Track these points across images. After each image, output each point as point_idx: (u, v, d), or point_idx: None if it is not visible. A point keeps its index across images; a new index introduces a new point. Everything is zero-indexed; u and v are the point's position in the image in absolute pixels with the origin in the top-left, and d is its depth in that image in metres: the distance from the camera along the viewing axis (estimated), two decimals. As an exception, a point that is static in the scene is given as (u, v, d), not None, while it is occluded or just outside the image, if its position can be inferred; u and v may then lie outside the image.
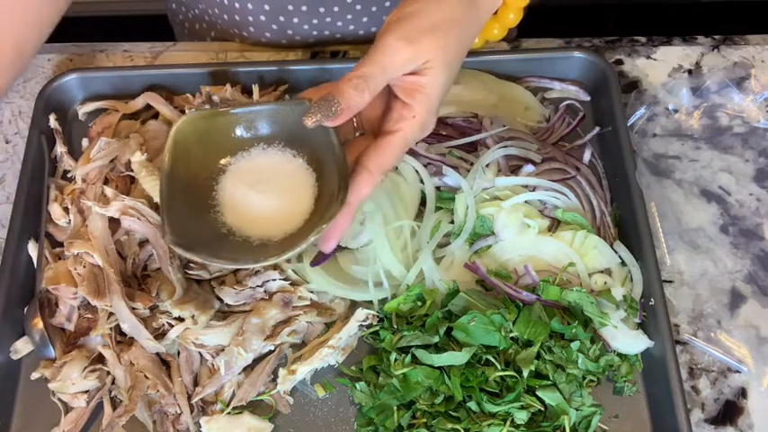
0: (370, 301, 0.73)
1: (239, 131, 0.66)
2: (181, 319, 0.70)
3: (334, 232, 0.60)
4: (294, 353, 0.72)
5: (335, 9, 0.86)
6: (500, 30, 0.68)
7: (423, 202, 0.78)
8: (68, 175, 0.81)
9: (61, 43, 0.92)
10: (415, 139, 0.60)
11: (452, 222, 0.76)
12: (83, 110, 0.85)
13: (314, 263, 0.68)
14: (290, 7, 0.86)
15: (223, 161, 0.66)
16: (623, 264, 0.75)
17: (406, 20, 0.58)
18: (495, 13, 0.65)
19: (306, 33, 0.89)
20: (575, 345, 0.68)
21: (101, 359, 0.70)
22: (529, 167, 0.79)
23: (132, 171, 0.75)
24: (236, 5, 0.87)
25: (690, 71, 0.90)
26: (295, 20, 0.87)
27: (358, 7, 0.87)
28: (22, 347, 0.72)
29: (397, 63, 0.57)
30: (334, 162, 0.59)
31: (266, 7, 0.86)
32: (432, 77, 0.58)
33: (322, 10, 0.86)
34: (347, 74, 0.56)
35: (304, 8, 0.86)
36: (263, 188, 0.64)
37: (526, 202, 0.77)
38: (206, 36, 0.99)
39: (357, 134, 0.64)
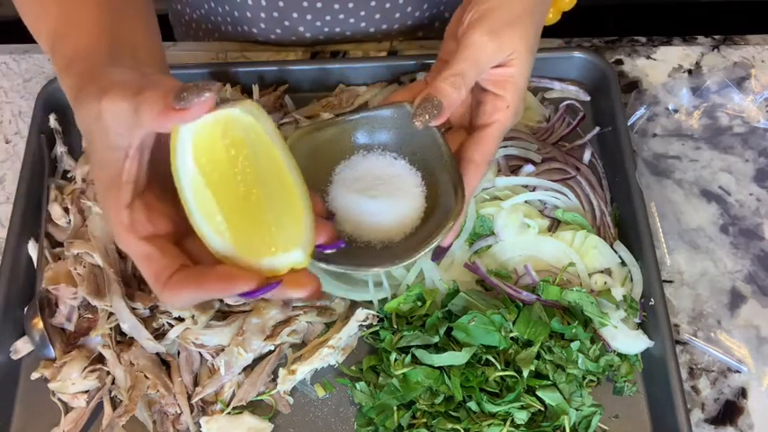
0: (370, 301, 0.73)
1: (343, 141, 0.67)
2: (181, 319, 0.70)
3: (456, 226, 0.62)
4: (294, 353, 0.72)
5: (350, 5, 0.87)
6: (554, 14, 0.73)
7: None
8: (68, 175, 0.81)
9: (61, 43, 0.92)
10: (510, 126, 0.63)
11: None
12: (83, 110, 0.85)
13: (435, 258, 0.72)
14: (305, 4, 0.86)
15: (329, 172, 0.67)
16: (623, 264, 0.75)
17: (487, 16, 0.60)
18: None
19: (317, 30, 0.89)
20: (575, 345, 0.68)
21: (101, 359, 0.70)
22: (529, 167, 0.79)
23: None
24: (249, 1, 0.87)
25: (690, 71, 0.90)
26: (308, 16, 0.88)
27: (372, 3, 0.87)
28: (22, 347, 0.72)
29: (487, 57, 0.59)
30: (443, 159, 0.61)
31: (280, 4, 0.86)
32: (518, 67, 0.61)
33: (336, 6, 0.87)
34: (442, 73, 0.59)
35: (319, 5, 0.86)
36: (373, 193, 0.64)
37: (526, 202, 0.77)
38: (209, 37, 0.99)
39: (443, 129, 0.66)
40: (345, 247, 0.59)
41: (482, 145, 0.62)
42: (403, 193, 0.64)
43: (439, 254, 0.70)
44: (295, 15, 0.87)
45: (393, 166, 0.66)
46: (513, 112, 0.62)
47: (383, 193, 0.64)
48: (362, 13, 0.88)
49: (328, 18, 0.88)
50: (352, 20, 0.89)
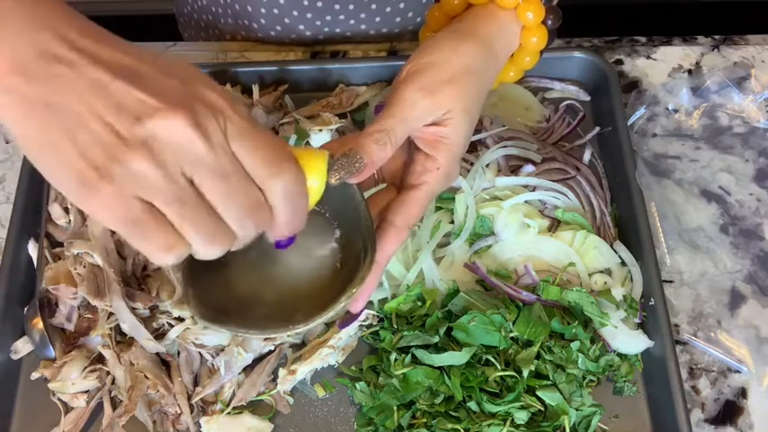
0: (370, 301, 0.73)
1: None
2: (181, 319, 0.70)
3: (364, 293, 0.58)
4: (294, 353, 0.72)
5: (351, 7, 0.87)
6: (516, 72, 0.67)
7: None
8: (68, 175, 0.81)
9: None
10: (440, 190, 0.59)
11: (452, 222, 0.76)
12: (83, 110, 0.85)
13: (341, 324, 0.67)
14: (306, 2, 0.86)
15: None
16: (623, 264, 0.75)
17: (424, 71, 0.57)
18: (512, 55, 0.65)
19: (317, 30, 0.89)
20: (575, 345, 0.68)
21: (101, 359, 0.70)
22: (529, 167, 0.79)
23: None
24: None
25: (690, 71, 0.90)
26: (308, 15, 0.87)
27: (373, 6, 0.87)
28: (22, 347, 0.72)
29: (418, 114, 0.56)
30: (359, 219, 0.57)
31: (281, 1, 0.86)
32: (453, 127, 0.57)
33: (337, 7, 0.86)
34: (367, 128, 0.55)
35: (319, 4, 0.86)
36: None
37: (526, 202, 0.77)
38: (210, 29, 0.99)
39: (377, 186, 0.63)
40: (249, 302, 0.56)
41: (405, 208, 0.58)
42: (316, 249, 0.59)
43: (348, 320, 0.64)
44: (295, 13, 0.87)
45: (311, 220, 0.57)
46: (443, 174, 0.58)
47: (295, 247, 0.56)
48: (363, 16, 0.88)
49: (328, 18, 0.88)
50: (352, 21, 0.89)
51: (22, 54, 0.38)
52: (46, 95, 0.38)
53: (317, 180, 0.49)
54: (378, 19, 0.89)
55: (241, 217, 0.43)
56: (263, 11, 0.88)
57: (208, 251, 0.42)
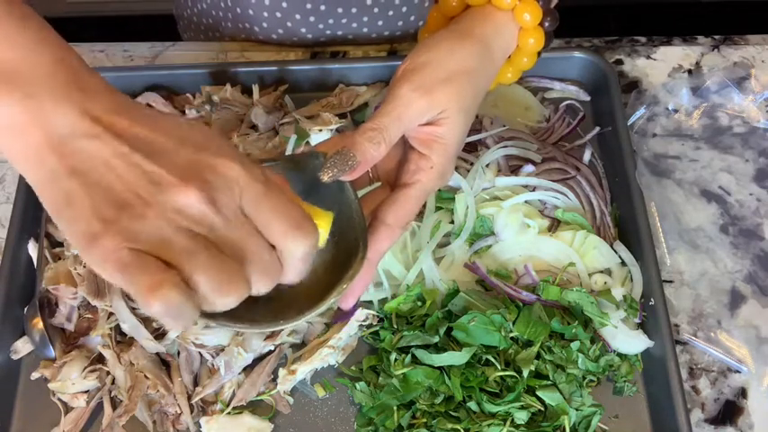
0: (370, 301, 0.73)
1: None
2: (181, 319, 0.70)
3: (355, 290, 0.59)
4: (294, 353, 0.72)
5: (353, 10, 0.87)
6: (513, 73, 0.67)
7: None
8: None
9: (61, 43, 0.92)
10: (433, 189, 0.59)
11: (452, 222, 0.76)
12: (83, 110, 0.85)
13: (335, 320, 0.67)
14: (309, 5, 0.86)
15: None
16: (623, 264, 0.75)
17: (420, 70, 0.57)
18: (509, 57, 0.65)
19: (319, 33, 0.89)
20: (575, 345, 0.68)
21: (101, 359, 0.70)
22: (529, 167, 0.79)
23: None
24: (252, 0, 0.87)
25: (690, 71, 0.90)
26: (311, 18, 0.87)
27: (375, 10, 0.87)
28: (22, 347, 0.72)
29: (413, 114, 0.56)
30: (352, 216, 0.57)
31: (284, 5, 0.86)
32: (448, 127, 0.57)
33: (340, 10, 0.86)
34: (362, 125, 0.55)
35: (322, 7, 0.86)
36: None
37: (526, 202, 0.77)
38: (211, 33, 0.99)
39: (372, 185, 0.63)
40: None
41: (398, 206, 0.58)
42: None
43: (341, 316, 0.64)
44: (298, 17, 0.87)
45: None
46: (437, 173, 0.58)
47: None
48: (365, 19, 0.88)
49: (331, 21, 0.88)
50: (354, 24, 0.89)
51: (57, 131, 0.40)
52: (72, 166, 0.40)
53: (323, 239, 0.50)
54: (380, 22, 0.89)
55: (257, 275, 0.43)
56: (264, 14, 0.88)
57: (220, 301, 0.42)
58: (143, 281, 0.39)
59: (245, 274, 0.43)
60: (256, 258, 0.43)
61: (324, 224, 0.50)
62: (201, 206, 0.40)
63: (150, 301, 0.39)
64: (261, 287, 0.44)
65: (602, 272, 0.75)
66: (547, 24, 0.63)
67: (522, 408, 0.65)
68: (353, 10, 0.87)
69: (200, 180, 0.40)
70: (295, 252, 0.44)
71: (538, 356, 0.68)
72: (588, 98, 0.87)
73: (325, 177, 0.53)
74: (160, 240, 0.39)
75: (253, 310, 0.55)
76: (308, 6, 0.86)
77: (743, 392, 0.72)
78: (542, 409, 0.66)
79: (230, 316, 0.53)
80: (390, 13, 0.88)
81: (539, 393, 0.66)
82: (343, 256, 0.57)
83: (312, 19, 0.88)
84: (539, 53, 0.66)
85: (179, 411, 0.69)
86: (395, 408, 0.67)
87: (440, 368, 0.67)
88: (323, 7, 0.86)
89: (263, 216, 0.43)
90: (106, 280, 0.70)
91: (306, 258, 0.45)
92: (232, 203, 0.42)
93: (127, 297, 0.69)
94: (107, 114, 0.41)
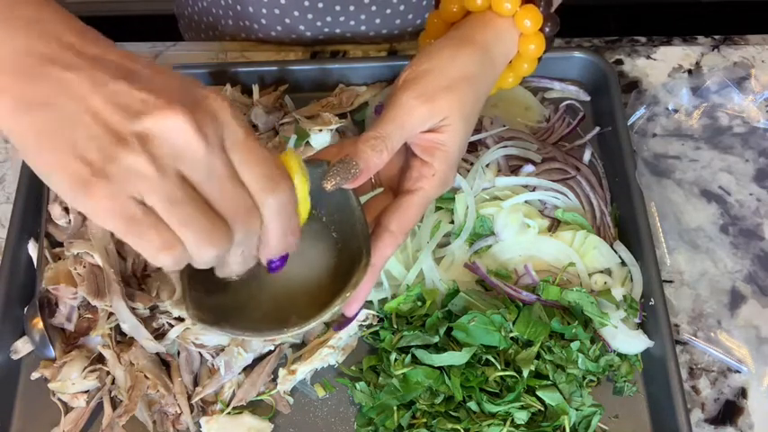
0: (370, 301, 0.73)
1: None
2: (181, 319, 0.70)
3: (358, 296, 0.58)
4: (294, 353, 0.72)
5: (351, 8, 0.87)
6: (514, 79, 0.67)
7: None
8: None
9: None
10: (435, 196, 0.59)
11: (452, 222, 0.76)
12: (83, 110, 0.85)
13: (337, 327, 0.67)
14: (307, 3, 0.86)
15: None
16: (623, 264, 0.75)
17: (422, 78, 0.57)
18: (510, 62, 0.65)
19: (317, 30, 0.90)
20: (575, 345, 0.68)
21: (101, 359, 0.70)
22: (529, 167, 0.79)
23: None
24: None
25: (690, 71, 0.90)
26: (309, 16, 0.88)
27: (373, 8, 0.87)
28: (22, 347, 0.72)
29: (415, 121, 0.56)
30: (355, 224, 0.57)
31: (282, 1, 0.86)
32: (450, 134, 0.57)
33: (338, 8, 0.87)
34: (364, 134, 0.55)
35: (320, 5, 0.86)
36: None
37: (526, 202, 0.77)
38: (211, 31, 0.99)
39: (374, 191, 0.63)
40: (245, 306, 0.57)
41: (401, 213, 0.58)
42: (313, 254, 0.59)
43: (343, 323, 0.64)
44: (296, 14, 0.87)
45: (308, 225, 0.58)
46: (439, 180, 0.58)
47: (292, 252, 0.56)
48: (363, 17, 0.88)
49: (329, 19, 0.88)
50: (352, 22, 0.89)
51: (20, 56, 0.38)
52: (43, 96, 0.38)
53: (303, 196, 0.49)
54: (378, 20, 0.89)
55: (235, 218, 0.42)
56: (264, 11, 0.88)
57: (202, 252, 0.41)
58: (154, 240, 0.39)
59: (225, 226, 0.42)
60: (235, 201, 0.42)
61: (302, 181, 0.49)
62: (187, 131, 0.39)
63: (160, 259, 0.40)
64: (240, 234, 0.43)
65: (602, 272, 0.75)
66: (547, 30, 0.63)
67: (522, 408, 0.65)
68: (351, 7, 0.87)
69: (187, 106, 0.39)
70: (269, 204, 0.44)
71: (538, 356, 0.68)
72: (588, 98, 0.87)
73: (329, 186, 0.53)
74: (146, 186, 0.38)
75: (256, 318, 0.55)
76: (306, 4, 0.86)
77: (743, 392, 0.72)
78: (542, 409, 0.66)
79: (235, 325, 0.53)
80: (388, 11, 0.88)
81: (539, 393, 0.66)
82: (346, 263, 0.57)
83: (310, 16, 0.88)
84: (539, 58, 0.66)
85: (179, 411, 0.69)
86: (395, 408, 0.67)
87: (440, 368, 0.67)
88: (321, 4, 0.86)
89: (243, 161, 0.42)
90: (106, 278, 0.70)
91: (282, 211, 0.44)
92: (216, 136, 0.41)
93: (127, 297, 0.69)
94: (81, 42, 0.39)
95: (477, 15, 0.63)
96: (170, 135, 0.39)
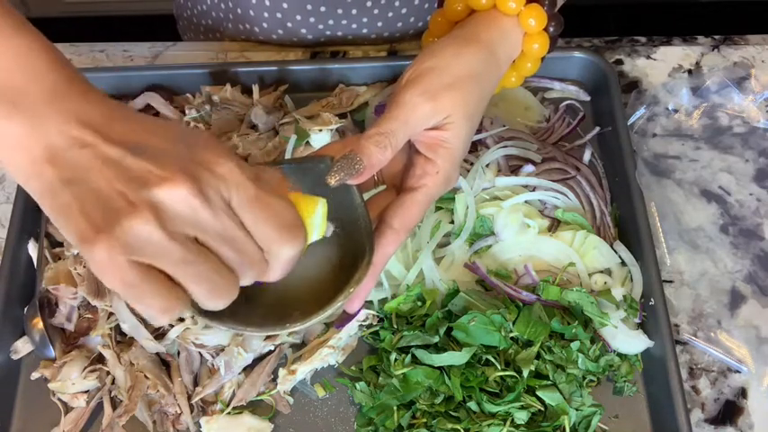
0: (370, 301, 0.73)
1: None
2: (181, 319, 0.70)
3: (360, 293, 0.59)
4: (294, 353, 0.72)
5: (353, 11, 0.87)
6: (517, 78, 0.67)
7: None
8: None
9: (61, 43, 0.92)
10: (439, 194, 0.60)
11: (452, 222, 0.76)
12: (83, 110, 0.85)
13: (339, 324, 0.67)
14: (309, 6, 0.86)
15: None
16: (623, 264, 0.75)
17: (426, 75, 0.57)
18: (513, 61, 0.65)
19: (319, 33, 0.89)
20: (575, 345, 0.68)
21: (101, 359, 0.70)
22: (529, 167, 0.79)
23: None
24: (253, 0, 0.87)
25: (690, 71, 0.90)
26: (311, 19, 0.87)
27: (375, 11, 0.87)
28: (22, 347, 0.72)
29: (418, 118, 0.56)
30: (358, 220, 0.58)
31: (284, 5, 0.86)
32: (454, 132, 0.58)
33: (340, 11, 0.86)
34: (368, 130, 0.56)
35: (322, 8, 0.86)
36: None
37: (526, 202, 0.77)
38: (211, 34, 0.99)
39: (377, 188, 0.63)
40: (247, 301, 0.55)
41: (404, 210, 0.58)
42: (316, 250, 0.58)
43: (345, 320, 0.65)
44: (298, 18, 0.87)
45: None
46: (443, 178, 0.58)
47: None
48: (365, 20, 0.88)
49: (331, 22, 0.88)
50: (354, 25, 0.89)
51: (53, 143, 0.41)
52: (67, 176, 0.41)
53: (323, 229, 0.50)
54: (379, 23, 0.89)
55: (244, 270, 0.44)
56: (265, 15, 0.88)
57: (213, 304, 0.44)
58: (153, 304, 0.41)
59: (235, 278, 0.44)
60: (244, 255, 0.44)
61: (321, 212, 0.50)
62: (190, 200, 0.40)
63: (158, 320, 0.42)
64: (246, 280, 0.45)
65: (602, 272, 0.75)
66: (552, 29, 0.63)
67: (522, 408, 0.65)
68: (353, 11, 0.87)
69: (190, 175, 0.41)
70: (281, 256, 0.45)
71: (538, 356, 0.68)
72: (588, 98, 0.87)
73: (332, 181, 0.53)
74: (154, 250, 0.40)
75: (258, 314, 0.55)
76: (309, 7, 0.86)
77: (743, 392, 0.72)
78: (542, 409, 0.66)
79: (236, 319, 0.53)
80: (390, 14, 0.88)
81: (539, 393, 0.66)
82: (348, 259, 0.57)
83: (312, 20, 0.88)
84: (542, 57, 0.66)
85: (179, 411, 0.69)
86: (395, 408, 0.67)
87: (440, 368, 0.67)
88: (323, 8, 0.86)
89: (251, 217, 0.43)
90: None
91: (292, 261, 0.46)
92: (221, 199, 0.42)
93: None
94: (102, 121, 0.42)
95: (481, 14, 0.63)
96: (175, 205, 0.40)
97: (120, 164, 0.41)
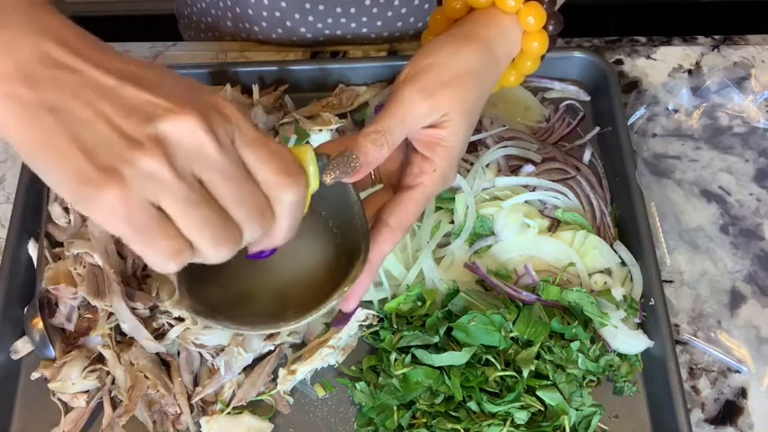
0: (370, 301, 0.73)
1: None
2: (181, 319, 0.70)
3: (356, 292, 0.58)
4: (294, 353, 0.72)
5: (352, 10, 0.87)
6: (517, 77, 0.67)
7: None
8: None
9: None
10: (436, 192, 0.59)
11: (452, 222, 0.76)
12: (83, 110, 0.85)
13: (335, 323, 0.67)
14: (308, 5, 0.86)
15: None
16: (623, 264, 0.75)
17: (424, 73, 0.57)
18: (513, 60, 0.65)
19: (318, 32, 0.89)
20: (575, 345, 0.68)
21: (101, 359, 0.70)
22: (529, 167, 0.79)
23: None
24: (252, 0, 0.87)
25: (690, 71, 0.90)
26: (310, 18, 0.87)
27: (375, 10, 0.87)
28: (22, 347, 0.72)
29: (415, 116, 0.56)
30: (354, 218, 0.57)
31: (283, 4, 0.86)
32: (451, 130, 0.57)
33: (339, 10, 0.86)
34: (365, 128, 0.55)
35: (321, 7, 0.86)
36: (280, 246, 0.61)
37: (526, 202, 0.77)
38: (210, 32, 0.99)
39: (374, 187, 0.63)
40: (242, 299, 0.56)
41: (401, 208, 0.57)
42: (311, 248, 0.59)
43: (341, 319, 0.64)
44: (297, 17, 0.87)
45: (307, 219, 0.56)
46: (440, 176, 0.58)
47: (290, 246, 0.55)
48: (364, 19, 0.88)
49: (330, 21, 0.88)
50: (353, 24, 0.89)
51: (25, 59, 0.37)
52: (50, 101, 0.37)
53: (313, 183, 0.49)
54: (379, 23, 0.89)
55: (250, 219, 0.42)
56: (264, 14, 0.88)
57: (216, 253, 0.42)
58: (164, 248, 0.39)
59: (238, 226, 0.42)
60: (250, 201, 0.42)
61: (312, 160, 0.49)
62: (199, 134, 0.38)
63: (168, 266, 0.40)
64: (253, 233, 0.43)
65: (602, 272, 0.75)
66: (551, 28, 0.63)
67: (522, 408, 0.65)
68: (352, 10, 0.87)
69: (199, 110, 0.39)
70: (285, 199, 0.44)
71: (538, 356, 0.68)
72: (588, 98, 0.87)
73: (328, 179, 0.53)
74: (162, 189, 0.38)
75: (254, 313, 0.55)
76: (307, 6, 0.86)
77: (743, 392, 0.72)
78: (542, 409, 0.66)
79: (232, 318, 0.53)
80: (389, 13, 0.88)
81: (539, 393, 0.66)
82: (344, 257, 0.56)
83: (311, 18, 0.88)
84: (542, 56, 0.66)
85: (179, 411, 0.69)
86: (395, 408, 0.67)
87: (440, 368, 0.67)
88: (321, 7, 0.86)
89: (255, 157, 0.42)
90: (106, 278, 0.70)
91: (296, 207, 0.45)
92: (228, 138, 0.41)
93: (127, 297, 0.69)
94: (86, 46, 0.39)
95: (480, 12, 0.63)
96: (184, 138, 0.39)
97: (117, 93, 0.38)
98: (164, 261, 0.40)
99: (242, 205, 0.42)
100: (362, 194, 0.60)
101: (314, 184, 0.49)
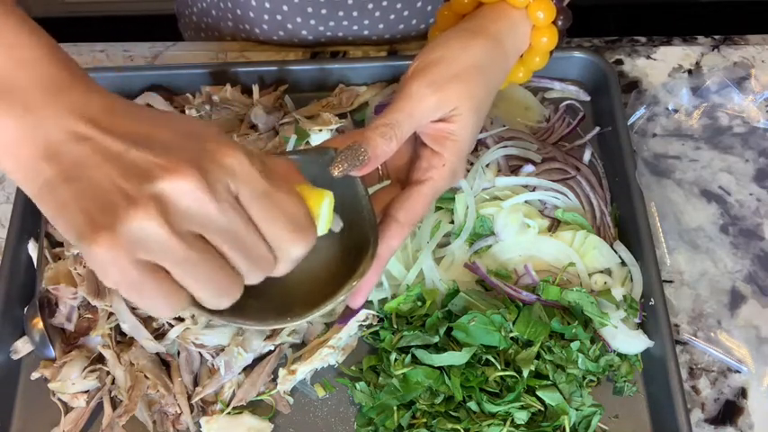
0: (370, 301, 0.73)
1: None
2: (181, 319, 0.70)
3: (364, 287, 0.58)
4: (294, 353, 0.72)
5: (354, 13, 0.86)
6: (525, 73, 0.67)
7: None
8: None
9: (61, 43, 0.91)
10: (445, 187, 0.59)
11: (452, 222, 0.76)
12: (83, 110, 0.85)
13: (341, 320, 0.66)
14: (310, 9, 0.86)
15: None
16: (623, 264, 0.75)
17: (432, 66, 0.57)
18: (521, 56, 0.65)
19: (319, 35, 0.89)
20: (575, 345, 0.68)
21: (101, 359, 0.70)
22: (529, 167, 0.79)
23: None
24: (253, 2, 0.87)
25: (690, 71, 0.90)
26: (312, 21, 0.87)
27: (377, 13, 0.87)
28: (22, 347, 0.72)
29: (424, 110, 0.56)
30: (362, 213, 0.57)
31: (284, 7, 0.86)
32: (460, 124, 0.57)
33: (341, 13, 0.86)
34: (373, 121, 0.55)
35: (323, 10, 0.86)
36: None
37: (526, 202, 0.77)
38: (212, 30, 0.99)
39: (382, 183, 0.62)
40: (247, 294, 0.54)
41: (409, 203, 0.57)
42: (318, 244, 0.56)
43: (348, 315, 0.64)
44: (299, 20, 0.87)
45: None
46: (449, 171, 0.58)
47: None
48: (366, 22, 0.88)
49: (331, 24, 0.88)
50: (355, 27, 0.89)
51: (51, 139, 0.39)
52: (65, 172, 0.39)
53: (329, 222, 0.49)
54: (381, 26, 0.89)
55: (251, 270, 0.43)
56: (265, 17, 0.88)
57: (217, 304, 0.42)
58: (158, 302, 0.40)
59: (239, 278, 0.42)
60: (251, 254, 0.42)
61: (328, 206, 0.49)
62: (197, 193, 0.39)
63: (165, 315, 0.41)
64: (252, 280, 0.44)
65: (602, 272, 0.75)
66: (560, 23, 0.63)
67: (522, 408, 0.65)
68: (354, 13, 0.87)
69: (196, 166, 0.39)
70: (291, 255, 0.44)
71: (538, 356, 0.68)
72: (588, 98, 0.87)
73: (336, 172, 0.53)
74: (157, 247, 0.38)
75: (259, 308, 0.54)
76: (309, 10, 0.86)
77: (743, 392, 0.72)
78: (542, 409, 0.66)
79: (238, 314, 0.53)
80: (392, 16, 0.88)
81: (539, 393, 0.66)
82: (352, 253, 0.56)
83: (313, 22, 0.88)
84: (551, 52, 0.65)
85: (179, 411, 0.69)
86: (395, 408, 0.67)
87: (440, 368, 0.67)
88: (324, 10, 0.86)
89: (261, 213, 0.42)
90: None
91: (300, 258, 0.45)
92: (230, 193, 0.40)
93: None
94: (104, 114, 0.40)
95: (489, 7, 0.62)
96: (182, 197, 0.39)
97: (122, 157, 0.39)
98: (158, 313, 0.41)
99: (244, 259, 0.42)
100: (370, 191, 0.59)
101: (322, 230, 0.49)
